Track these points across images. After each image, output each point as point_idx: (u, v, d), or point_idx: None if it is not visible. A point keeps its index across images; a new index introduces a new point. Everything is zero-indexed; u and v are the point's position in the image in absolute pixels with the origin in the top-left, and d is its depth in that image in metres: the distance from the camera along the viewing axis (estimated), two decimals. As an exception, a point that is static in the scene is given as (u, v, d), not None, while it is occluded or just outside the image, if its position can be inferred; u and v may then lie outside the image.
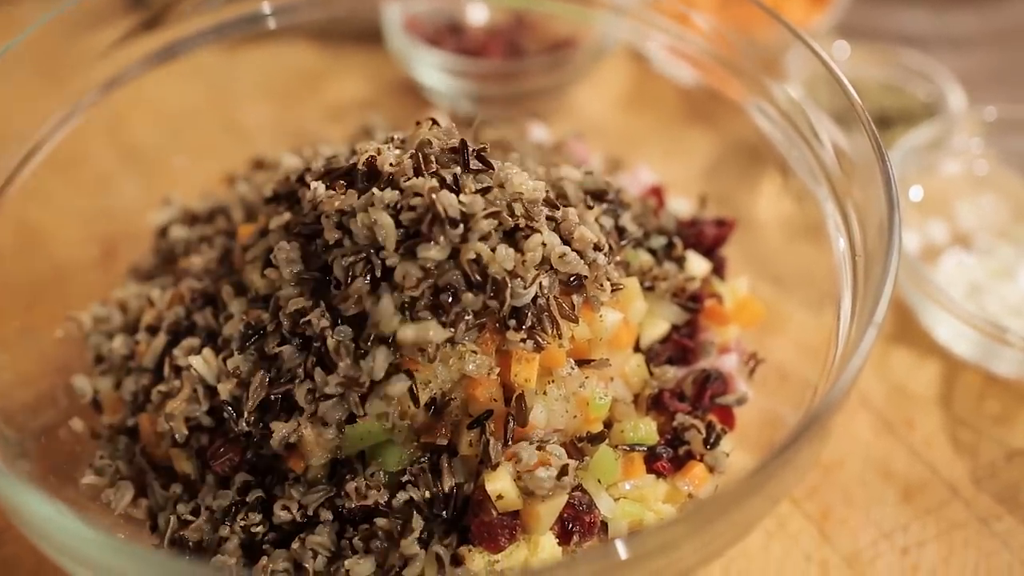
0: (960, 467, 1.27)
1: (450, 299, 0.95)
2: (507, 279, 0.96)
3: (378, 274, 0.96)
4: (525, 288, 0.96)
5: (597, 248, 1.02)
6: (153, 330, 1.16)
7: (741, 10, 1.52)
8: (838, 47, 1.76)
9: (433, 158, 1.00)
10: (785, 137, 1.29)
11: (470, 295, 0.95)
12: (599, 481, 1.03)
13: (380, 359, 0.95)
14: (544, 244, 0.98)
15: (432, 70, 1.67)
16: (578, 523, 1.00)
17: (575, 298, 1.01)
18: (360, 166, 1.01)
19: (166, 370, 1.10)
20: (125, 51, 1.34)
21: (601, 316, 1.04)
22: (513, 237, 0.98)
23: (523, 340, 0.97)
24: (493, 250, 0.96)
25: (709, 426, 1.09)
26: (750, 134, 1.41)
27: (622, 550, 0.80)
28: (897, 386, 1.36)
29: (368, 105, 1.71)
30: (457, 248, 0.96)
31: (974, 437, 1.30)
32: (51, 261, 1.40)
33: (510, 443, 1.00)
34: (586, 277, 1.01)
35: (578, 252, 1.01)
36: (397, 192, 0.98)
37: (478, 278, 0.95)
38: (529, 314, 0.97)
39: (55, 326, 1.25)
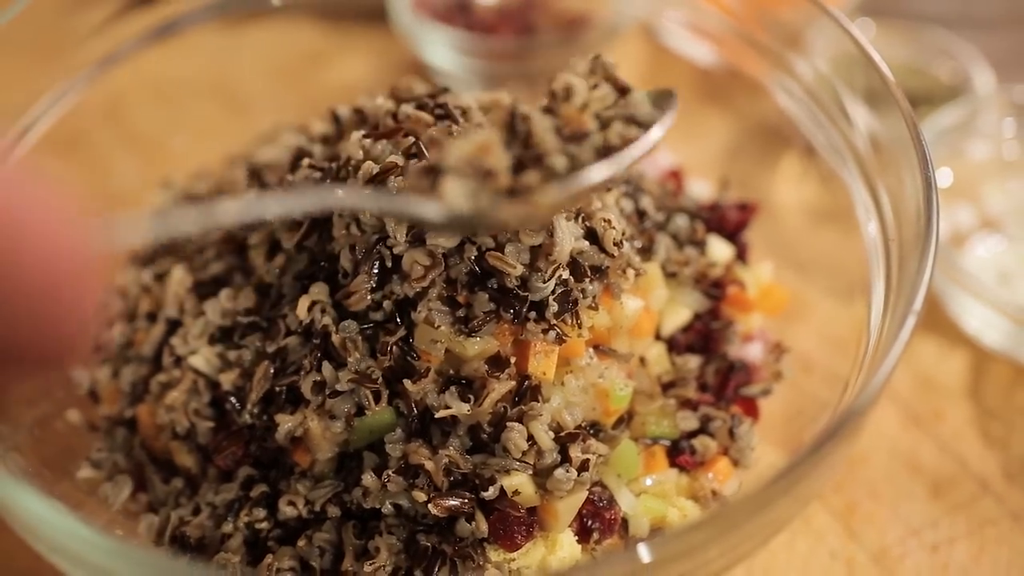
0: (991, 461, 1.22)
1: (464, 291, 0.91)
2: (524, 275, 0.91)
3: (388, 264, 0.92)
4: (544, 283, 0.91)
5: (618, 232, 0.97)
6: (152, 317, 1.11)
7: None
8: (862, 24, 1.71)
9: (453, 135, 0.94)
10: (810, 116, 1.24)
11: (484, 295, 0.90)
12: (619, 476, 0.99)
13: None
14: (564, 237, 0.92)
15: (440, 48, 1.62)
16: (598, 520, 0.96)
17: (596, 284, 0.96)
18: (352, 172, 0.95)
19: (165, 359, 1.05)
20: (122, 27, 1.29)
21: (622, 303, 0.99)
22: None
23: (544, 331, 0.92)
24: (508, 242, 0.90)
25: (734, 418, 1.04)
26: (770, 114, 1.36)
27: (645, 553, 0.75)
28: (924, 377, 1.31)
29: (374, 85, 1.66)
30: (469, 236, 0.91)
31: (1005, 430, 1.25)
32: (46, 245, 1.35)
33: (526, 436, 0.95)
34: (608, 267, 0.96)
35: (600, 240, 0.95)
36: (403, 179, 0.92)
37: (491, 272, 0.91)
38: (549, 306, 0.92)
39: (51, 313, 1.20)
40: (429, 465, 0.90)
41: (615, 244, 0.96)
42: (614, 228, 0.96)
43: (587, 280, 0.95)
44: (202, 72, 1.58)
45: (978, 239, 1.42)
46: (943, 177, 1.48)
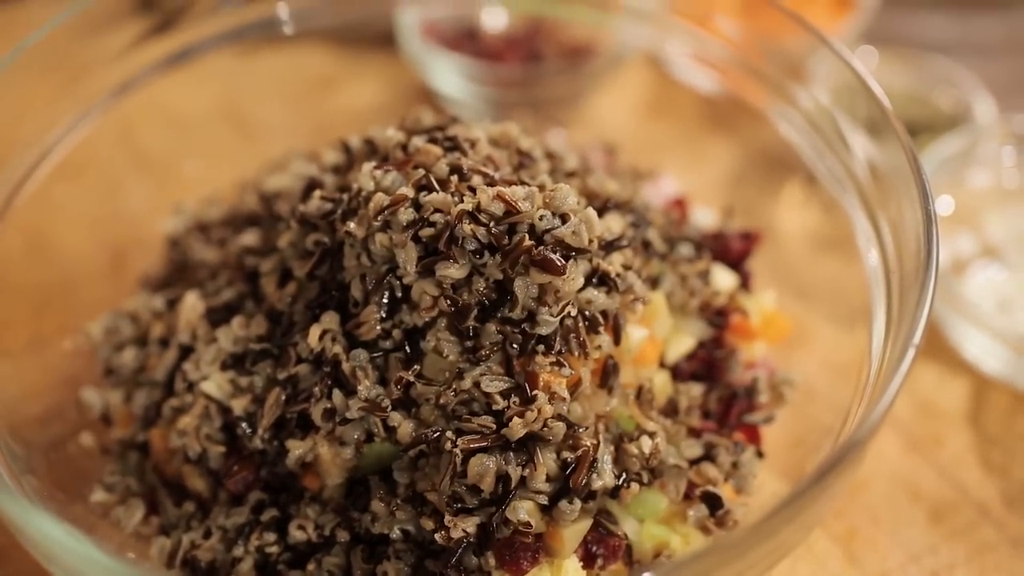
0: (991, 487, 1.23)
1: (473, 322, 0.93)
2: (533, 310, 0.92)
3: (398, 294, 0.93)
4: (553, 317, 0.92)
5: (626, 267, 0.99)
6: (164, 343, 1.13)
7: (763, 15, 1.49)
8: (864, 52, 1.73)
9: (462, 168, 0.96)
10: (811, 145, 1.26)
11: (492, 326, 0.92)
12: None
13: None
14: (574, 277, 0.94)
15: (449, 76, 1.64)
16: (602, 546, 0.97)
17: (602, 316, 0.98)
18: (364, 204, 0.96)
19: (178, 384, 1.07)
20: (137, 55, 1.31)
21: (627, 333, 1.01)
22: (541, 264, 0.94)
23: (552, 364, 0.94)
24: (516, 275, 0.92)
25: (737, 446, 1.05)
26: (773, 142, 1.38)
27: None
28: (924, 403, 1.33)
29: (383, 111, 1.69)
30: (478, 268, 0.92)
31: (1005, 457, 1.26)
32: (60, 269, 1.38)
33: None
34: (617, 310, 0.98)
35: (605, 274, 0.97)
36: (413, 210, 0.94)
37: (501, 301, 0.92)
38: (557, 338, 0.94)
39: (63, 336, 1.22)
40: (432, 496, 0.92)
41: (623, 268, 0.98)
42: (623, 275, 0.98)
43: (595, 318, 0.96)
44: (214, 98, 1.61)
45: (978, 267, 1.43)
46: (944, 205, 1.50)
